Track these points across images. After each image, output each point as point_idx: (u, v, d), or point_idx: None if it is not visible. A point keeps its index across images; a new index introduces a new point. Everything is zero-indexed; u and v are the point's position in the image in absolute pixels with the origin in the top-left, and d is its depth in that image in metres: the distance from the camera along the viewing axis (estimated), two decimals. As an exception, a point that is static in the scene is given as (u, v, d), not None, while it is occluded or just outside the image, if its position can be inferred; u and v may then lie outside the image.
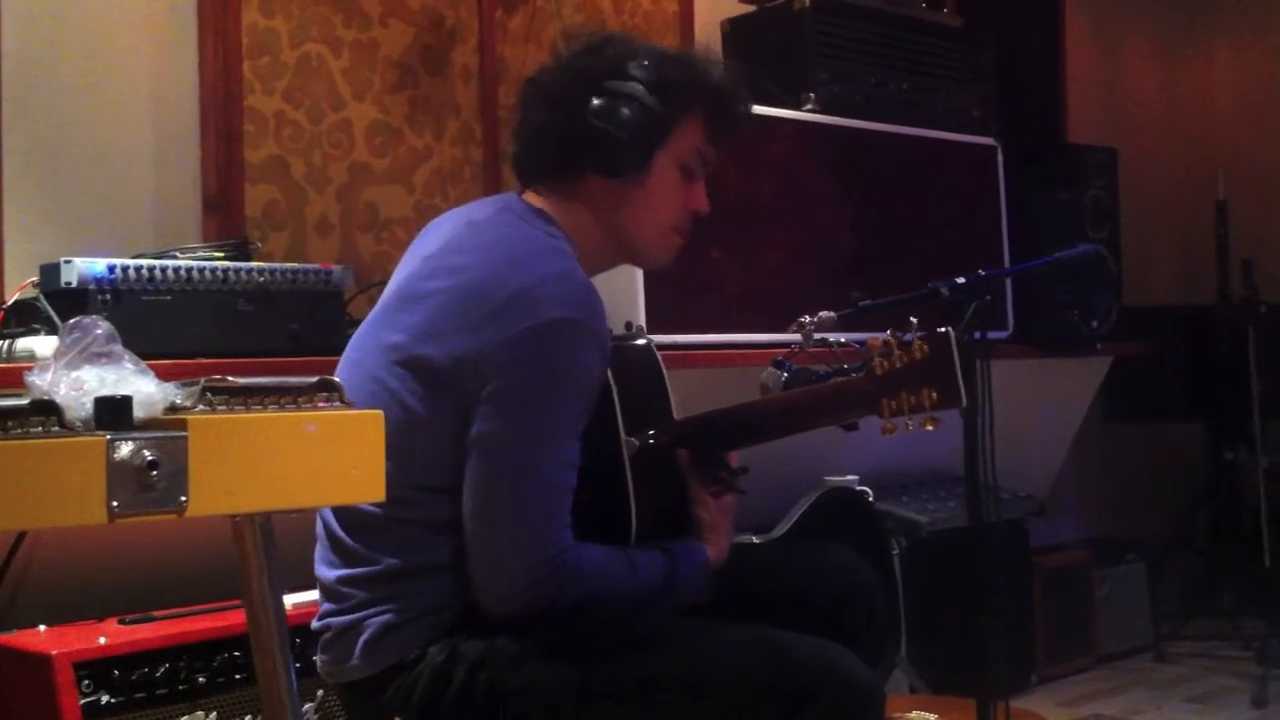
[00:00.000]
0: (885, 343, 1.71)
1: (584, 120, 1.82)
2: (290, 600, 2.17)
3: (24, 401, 1.18)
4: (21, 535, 2.31)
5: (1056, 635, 4.04)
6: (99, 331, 1.26)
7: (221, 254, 2.46)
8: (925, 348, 1.67)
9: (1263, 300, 4.20)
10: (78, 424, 1.19)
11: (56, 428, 1.17)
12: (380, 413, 1.36)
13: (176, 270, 2.30)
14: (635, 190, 1.87)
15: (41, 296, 2.23)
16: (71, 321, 1.28)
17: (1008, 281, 3.76)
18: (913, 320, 1.71)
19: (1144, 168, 4.89)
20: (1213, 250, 4.68)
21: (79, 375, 1.22)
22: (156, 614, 2.24)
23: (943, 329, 1.68)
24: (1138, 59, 5.36)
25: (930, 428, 1.69)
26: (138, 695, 2.08)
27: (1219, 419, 4.60)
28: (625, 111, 1.81)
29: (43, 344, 2.17)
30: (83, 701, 2.01)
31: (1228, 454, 4.54)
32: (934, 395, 1.67)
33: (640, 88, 1.82)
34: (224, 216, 2.86)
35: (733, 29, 3.64)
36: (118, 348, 1.27)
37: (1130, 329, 4.18)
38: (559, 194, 1.88)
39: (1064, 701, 3.80)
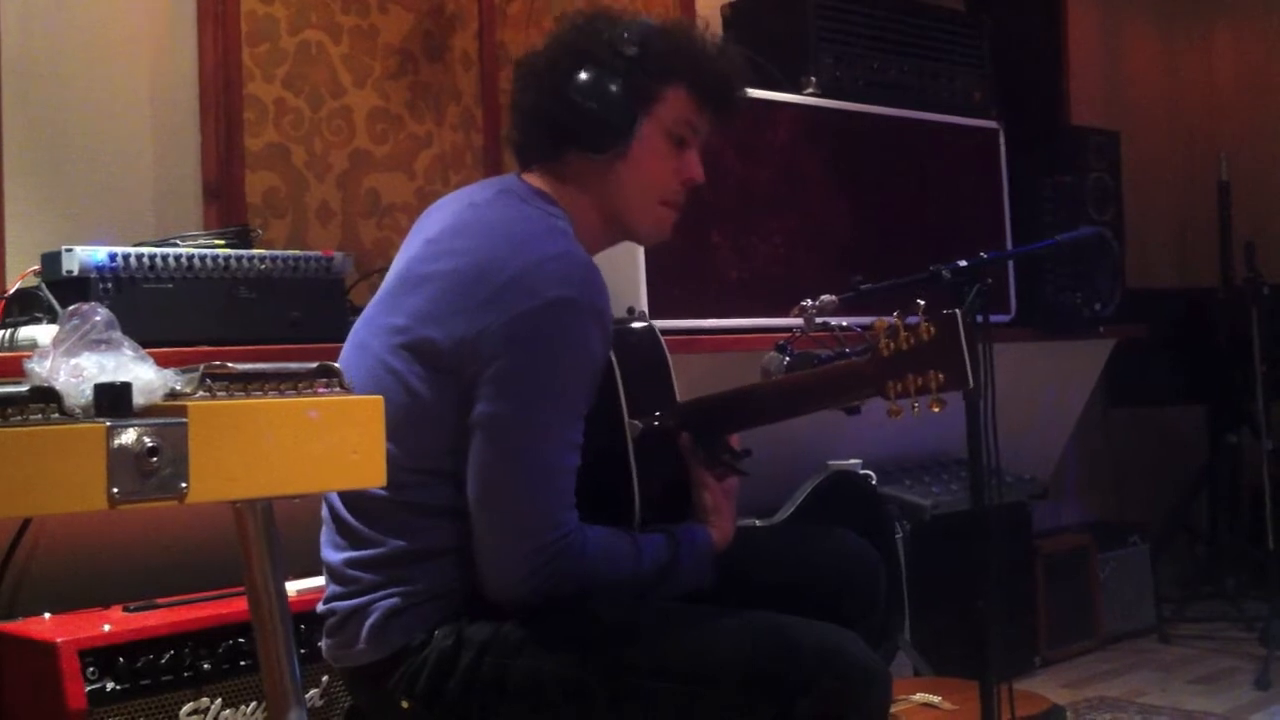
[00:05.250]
0: (891, 325, 1.71)
1: (566, 97, 1.82)
2: (297, 586, 2.19)
3: (23, 389, 1.17)
4: (25, 523, 2.31)
5: (1059, 618, 4.04)
6: (98, 318, 1.26)
7: (223, 242, 2.46)
8: (932, 330, 1.67)
9: (1265, 282, 4.18)
10: (77, 411, 1.19)
11: (56, 415, 1.17)
12: (380, 398, 1.36)
13: (178, 258, 2.29)
14: (621, 163, 1.86)
15: (43, 285, 2.23)
16: (71, 309, 1.28)
17: (1010, 264, 3.76)
18: (919, 302, 1.71)
19: (1146, 150, 4.88)
20: (1215, 232, 4.67)
21: (78, 362, 1.22)
22: (161, 601, 2.24)
23: (949, 311, 1.68)
24: (1139, 41, 5.34)
25: (936, 409, 1.69)
26: (143, 682, 2.08)
27: (1221, 402, 4.59)
28: (603, 84, 1.81)
29: (45, 333, 2.16)
30: (88, 689, 2.01)
31: (1230, 437, 4.54)
32: (940, 377, 1.66)
33: (619, 59, 1.82)
34: (224, 204, 2.86)
35: (734, 13, 3.64)
36: (117, 334, 1.27)
37: (1132, 312, 4.17)
38: (553, 174, 1.88)
39: (1068, 683, 3.81)
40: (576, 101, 1.81)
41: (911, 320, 1.69)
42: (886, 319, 1.72)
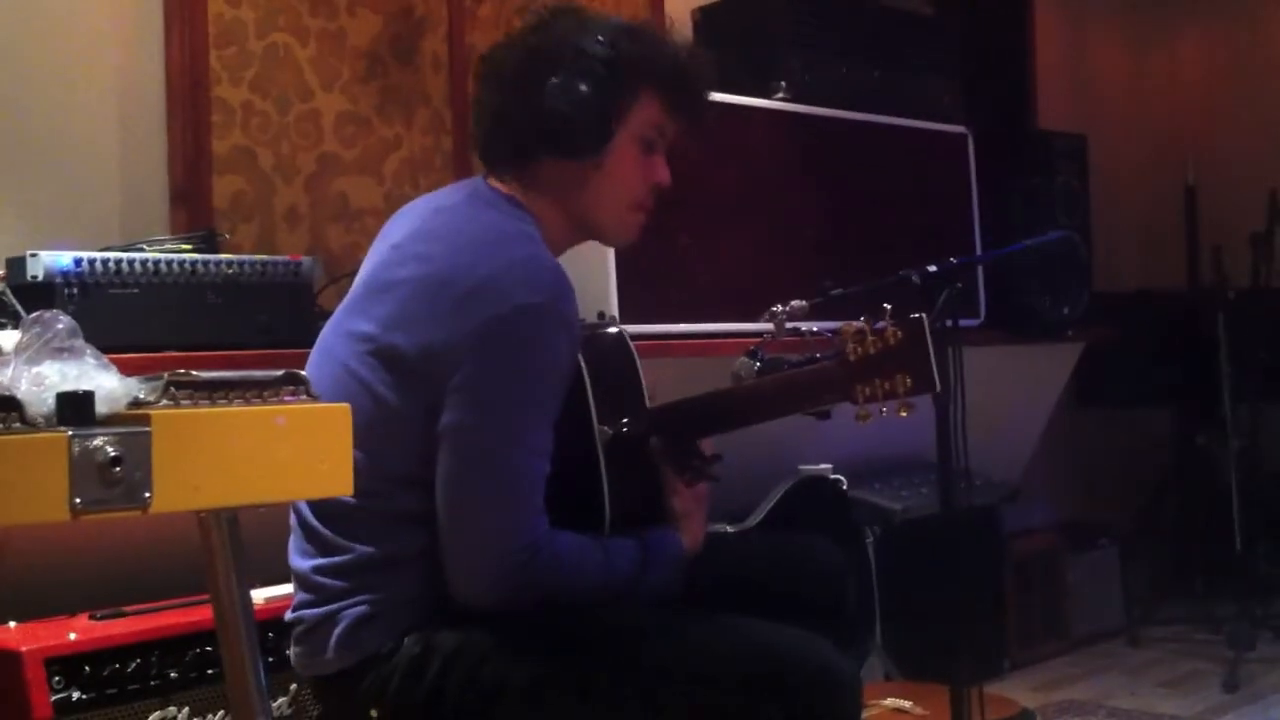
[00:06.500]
0: (859, 329, 1.71)
1: (539, 102, 1.79)
2: (265, 593, 2.17)
3: (-15, 397, 1.16)
4: (-12, 531, 2.29)
5: (1029, 620, 4.06)
6: (60, 326, 1.24)
7: (189, 246, 2.44)
8: (899, 334, 1.68)
9: (1231, 285, 4.22)
10: (39, 420, 1.17)
11: (18, 424, 1.16)
12: (347, 406, 1.35)
13: (144, 263, 2.28)
14: (594, 170, 1.84)
15: (8, 290, 2.21)
16: (32, 316, 1.26)
17: (979, 269, 3.77)
18: (886, 306, 1.71)
19: (1113, 154, 4.91)
20: (1182, 236, 4.70)
21: (40, 370, 1.20)
22: (127, 609, 2.22)
23: (916, 315, 1.68)
24: (1106, 45, 5.38)
25: (904, 414, 1.70)
26: (109, 691, 2.06)
27: (1188, 404, 4.63)
28: (580, 90, 1.78)
29: (9, 338, 2.14)
30: (54, 698, 2.00)
31: (1198, 438, 4.57)
32: (908, 381, 1.67)
33: (594, 64, 1.80)
34: (191, 208, 2.84)
35: (704, 17, 3.63)
36: (79, 342, 1.25)
37: (1100, 314, 4.19)
38: (521, 177, 1.86)
39: (1038, 686, 3.82)
40: (550, 108, 1.79)
41: (878, 325, 1.69)
42: (853, 324, 1.72)
